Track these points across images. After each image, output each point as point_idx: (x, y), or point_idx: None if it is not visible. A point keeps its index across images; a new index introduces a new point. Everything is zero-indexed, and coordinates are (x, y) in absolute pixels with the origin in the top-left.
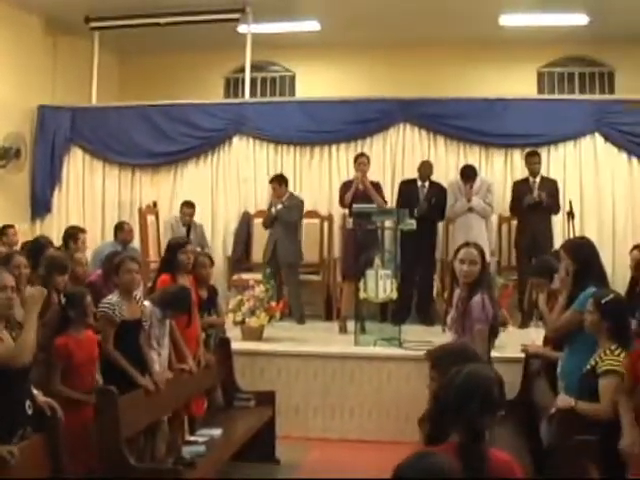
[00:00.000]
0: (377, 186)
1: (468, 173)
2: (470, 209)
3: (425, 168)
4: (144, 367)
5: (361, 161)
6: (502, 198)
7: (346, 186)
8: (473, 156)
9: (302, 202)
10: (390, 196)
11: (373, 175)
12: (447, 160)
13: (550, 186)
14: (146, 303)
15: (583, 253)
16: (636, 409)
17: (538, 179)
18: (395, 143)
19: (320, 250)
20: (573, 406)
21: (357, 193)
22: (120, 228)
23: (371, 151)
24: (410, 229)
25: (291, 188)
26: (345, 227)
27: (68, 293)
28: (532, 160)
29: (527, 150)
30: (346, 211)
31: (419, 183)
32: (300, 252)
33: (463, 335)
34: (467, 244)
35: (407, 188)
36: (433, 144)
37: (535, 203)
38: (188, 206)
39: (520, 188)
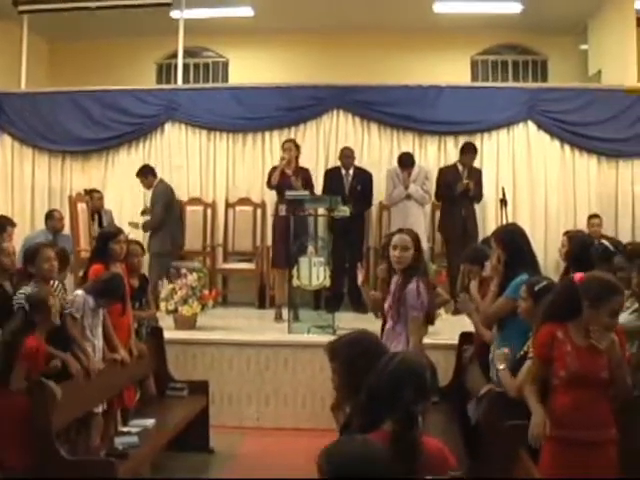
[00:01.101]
0: (306, 172)
1: (406, 161)
2: (408, 196)
3: (345, 155)
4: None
5: (287, 146)
6: (436, 185)
7: (273, 171)
8: (407, 143)
9: (165, 189)
10: (323, 183)
11: (306, 162)
12: (381, 147)
13: (477, 175)
14: (78, 292)
15: (514, 241)
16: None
17: (467, 168)
18: (328, 130)
19: (253, 237)
20: (499, 369)
21: (285, 179)
22: (50, 216)
23: (304, 138)
24: (344, 216)
25: (223, 175)
26: (276, 214)
27: (31, 298)
28: (470, 156)
29: (464, 142)
30: (276, 198)
31: (343, 171)
32: (168, 240)
33: (398, 322)
34: (400, 230)
35: (331, 176)
36: (367, 131)
37: (464, 191)
38: (96, 192)
39: (448, 175)
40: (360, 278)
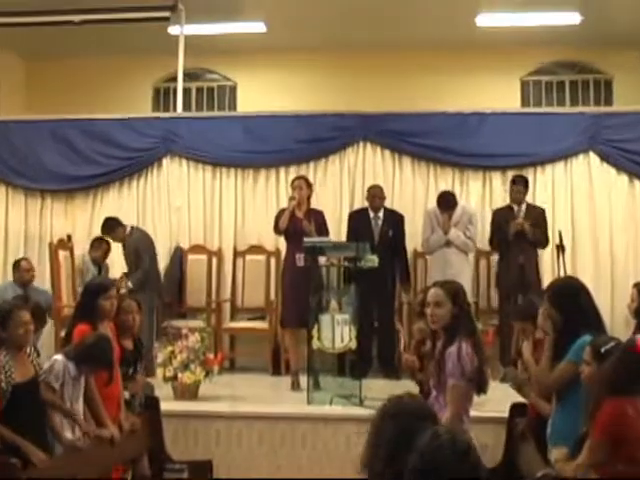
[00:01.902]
0: (319, 215)
1: (447, 201)
2: (448, 243)
3: (374, 195)
4: (43, 438)
5: (297, 184)
6: (480, 229)
7: (281, 213)
8: (445, 180)
9: (143, 236)
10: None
11: (329, 203)
12: (415, 185)
13: (537, 215)
14: (58, 357)
15: (571, 298)
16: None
17: (524, 207)
18: (354, 165)
19: (266, 291)
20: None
21: (295, 222)
22: (16, 267)
23: (325, 174)
24: (372, 266)
25: (231, 218)
26: (286, 264)
27: None
28: (516, 188)
29: (513, 175)
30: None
31: (371, 213)
32: (155, 295)
33: (441, 391)
34: (435, 284)
35: (357, 220)
36: (398, 166)
37: (518, 233)
38: (100, 242)
39: (502, 217)
40: (402, 343)
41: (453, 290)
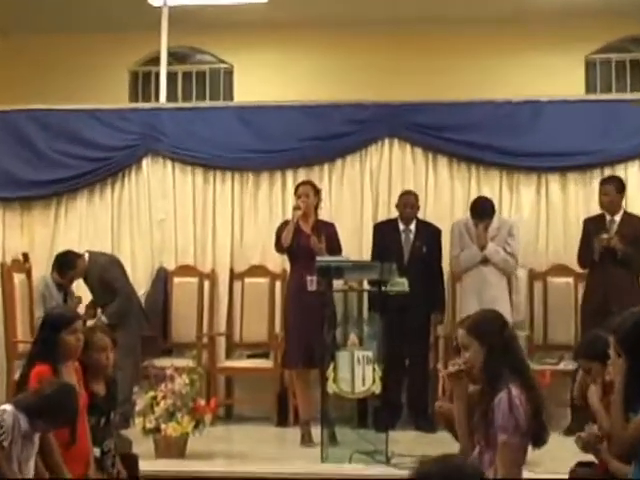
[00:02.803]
0: (330, 228)
1: (482, 209)
2: (485, 260)
3: (406, 204)
4: None
5: (303, 191)
6: (533, 245)
7: (283, 226)
8: (490, 185)
9: (108, 259)
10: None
11: (347, 214)
12: (453, 191)
13: (634, 228)
14: (7, 407)
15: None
16: None
17: (618, 217)
18: (377, 167)
19: (269, 322)
20: None
21: (301, 238)
22: None
23: (342, 179)
24: (401, 292)
25: (227, 232)
26: (288, 290)
27: None
28: (604, 190)
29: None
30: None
31: (401, 226)
32: (135, 328)
33: (487, 448)
34: (461, 322)
35: (383, 234)
36: (432, 168)
37: (608, 251)
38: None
39: (592, 229)
40: (440, 385)
41: (475, 326)
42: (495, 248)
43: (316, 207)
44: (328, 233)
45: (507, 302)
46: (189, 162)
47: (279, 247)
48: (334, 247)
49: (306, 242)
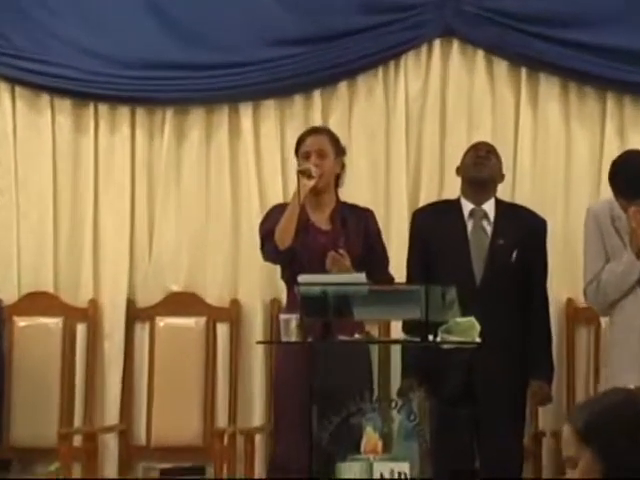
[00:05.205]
0: (364, 220)
1: (636, 181)
2: None
3: (478, 164)
4: None
5: (314, 146)
6: None
7: (278, 212)
8: (615, 118)
9: None
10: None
11: (361, 185)
12: (569, 140)
13: None
14: None
15: None
16: None
17: None
18: (421, 91)
19: (207, 409)
20: None
21: (312, 234)
22: None
23: (353, 112)
24: (467, 345)
25: (120, 226)
26: (278, 356)
27: None
28: None
29: None
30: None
31: (466, 208)
32: None
33: None
34: (582, 408)
35: (433, 228)
36: (527, 95)
37: None
38: None
39: None
40: None
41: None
42: None
43: (337, 180)
44: (363, 229)
45: None
46: (52, 88)
47: (271, 251)
48: (374, 260)
49: (320, 244)
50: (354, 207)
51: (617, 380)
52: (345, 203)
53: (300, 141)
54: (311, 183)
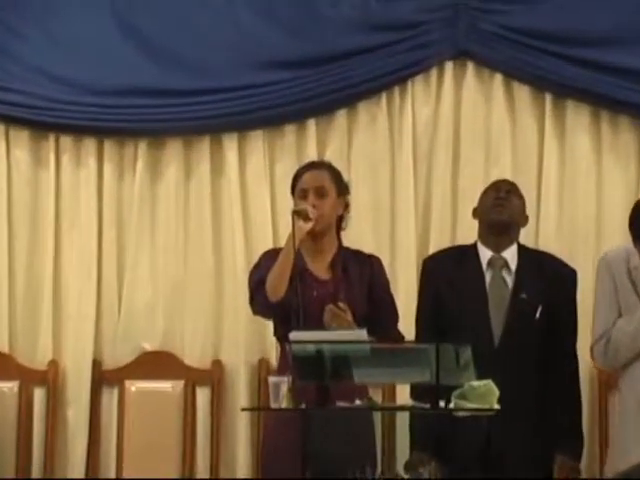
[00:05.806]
0: (368, 267)
1: None
2: None
3: (497, 206)
4: None
5: (312, 182)
6: None
7: (270, 259)
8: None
9: None
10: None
11: (361, 228)
12: (575, 162)
13: None
14: None
15: None
16: None
17: None
18: (431, 117)
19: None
20: None
21: (309, 285)
22: None
23: (354, 143)
24: (484, 412)
25: (86, 270)
26: (267, 423)
27: None
28: None
29: None
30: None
31: (485, 256)
32: None
33: None
34: None
35: (446, 277)
36: (534, 115)
37: None
38: None
39: None
40: None
41: None
42: None
43: (340, 222)
44: (368, 280)
45: None
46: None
47: (261, 303)
48: (381, 316)
49: (318, 295)
50: (358, 253)
51: (627, 455)
52: (348, 249)
53: (296, 177)
54: (308, 226)
